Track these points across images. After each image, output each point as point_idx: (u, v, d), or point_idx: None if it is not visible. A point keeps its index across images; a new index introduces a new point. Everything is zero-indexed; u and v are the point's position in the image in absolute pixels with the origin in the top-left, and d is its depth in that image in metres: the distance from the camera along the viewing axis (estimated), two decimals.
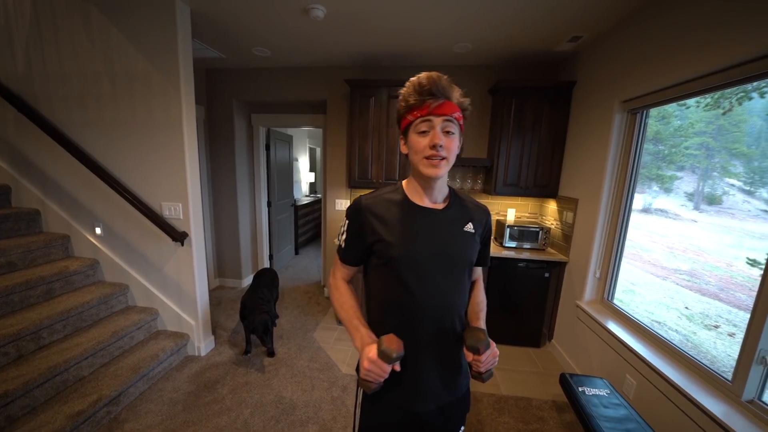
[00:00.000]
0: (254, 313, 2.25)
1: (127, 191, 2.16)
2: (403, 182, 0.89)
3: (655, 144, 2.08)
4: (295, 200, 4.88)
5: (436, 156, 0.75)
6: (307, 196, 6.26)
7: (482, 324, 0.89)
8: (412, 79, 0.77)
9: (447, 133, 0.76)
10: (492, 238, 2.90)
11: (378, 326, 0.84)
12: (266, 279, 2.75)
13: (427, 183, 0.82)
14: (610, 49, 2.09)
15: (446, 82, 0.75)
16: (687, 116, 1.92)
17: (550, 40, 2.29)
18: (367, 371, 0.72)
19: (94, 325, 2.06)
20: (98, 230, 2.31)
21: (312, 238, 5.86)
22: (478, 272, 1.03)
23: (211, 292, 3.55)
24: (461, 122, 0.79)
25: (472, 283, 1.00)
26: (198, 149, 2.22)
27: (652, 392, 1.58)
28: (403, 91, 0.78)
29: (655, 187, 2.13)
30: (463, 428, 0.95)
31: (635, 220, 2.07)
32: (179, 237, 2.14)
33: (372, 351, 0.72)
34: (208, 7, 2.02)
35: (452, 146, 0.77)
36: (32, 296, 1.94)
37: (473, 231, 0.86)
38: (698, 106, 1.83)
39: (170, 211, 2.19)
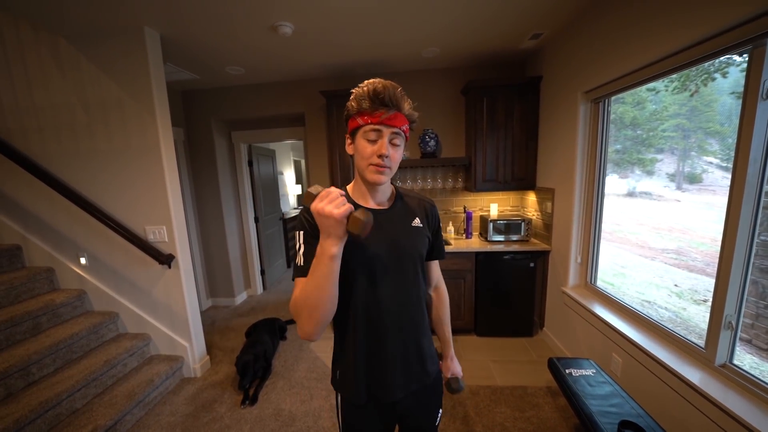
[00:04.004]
0: (240, 353, 2.26)
1: (110, 218, 2.15)
2: (348, 186, 0.91)
3: (633, 129, 2.13)
4: (283, 214, 4.88)
5: (381, 164, 0.77)
6: (295, 208, 6.25)
7: (450, 340, 1.05)
8: (367, 82, 0.75)
9: (394, 145, 0.77)
10: (477, 234, 3.01)
11: (342, 326, 0.86)
12: (269, 327, 2.71)
13: (371, 187, 0.84)
14: (569, 43, 2.19)
15: (400, 94, 0.75)
16: (661, 100, 1.97)
17: (513, 38, 2.39)
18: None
19: (85, 356, 2.03)
20: (83, 260, 2.29)
21: None
22: (437, 274, 1.03)
23: (203, 312, 3.52)
24: (407, 134, 0.81)
25: (435, 289, 1.05)
26: (179, 171, 2.24)
27: (636, 367, 1.64)
28: (355, 91, 0.76)
29: (638, 171, 2.17)
30: (440, 411, 0.99)
31: (621, 204, 2.10)
32: (166, 260, 2.14)
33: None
34: (177, 32, 2.05)
35: (396, 157, 0.79)
36: (18, 333, 1.91)
37: (421, 225, 0.89)
38: (667, 91, 1.89)
39: (155, 234, 2.19)
